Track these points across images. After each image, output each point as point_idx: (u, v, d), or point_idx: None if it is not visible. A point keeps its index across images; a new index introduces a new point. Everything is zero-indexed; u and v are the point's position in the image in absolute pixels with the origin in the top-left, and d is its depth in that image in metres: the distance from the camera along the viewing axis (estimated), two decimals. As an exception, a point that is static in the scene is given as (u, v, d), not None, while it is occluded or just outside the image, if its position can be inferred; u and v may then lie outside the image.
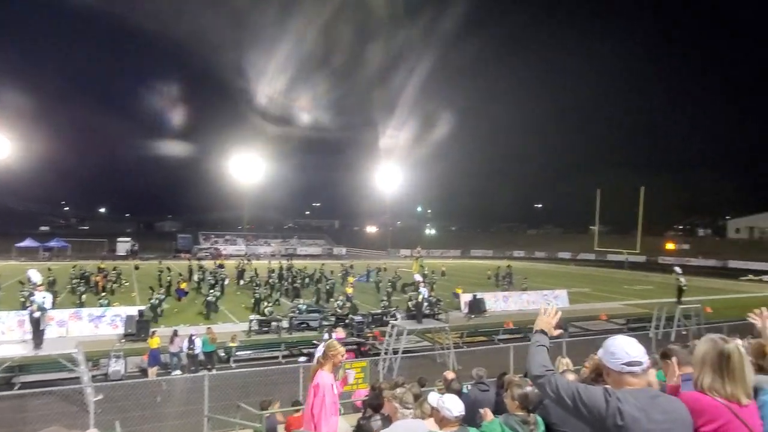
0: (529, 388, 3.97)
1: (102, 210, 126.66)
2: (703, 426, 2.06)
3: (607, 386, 2.19)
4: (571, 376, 4.17)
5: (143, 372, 14.83)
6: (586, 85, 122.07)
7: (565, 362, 5.42)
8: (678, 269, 25.34)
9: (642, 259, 60.50)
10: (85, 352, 12.62)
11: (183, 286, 28.14)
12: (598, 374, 3.79)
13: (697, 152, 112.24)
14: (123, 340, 17.90)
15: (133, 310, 19.88)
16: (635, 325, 22.27)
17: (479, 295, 25.81)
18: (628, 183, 56.29)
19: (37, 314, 11.45)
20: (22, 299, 21.06)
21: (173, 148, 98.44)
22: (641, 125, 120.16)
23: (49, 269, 30.85)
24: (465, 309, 25.00)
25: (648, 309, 24.00)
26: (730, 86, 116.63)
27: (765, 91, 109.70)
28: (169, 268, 33.74)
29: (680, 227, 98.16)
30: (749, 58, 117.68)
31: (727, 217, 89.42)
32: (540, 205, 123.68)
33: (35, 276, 12.67)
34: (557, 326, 2.69)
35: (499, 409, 4.56)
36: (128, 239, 65.50)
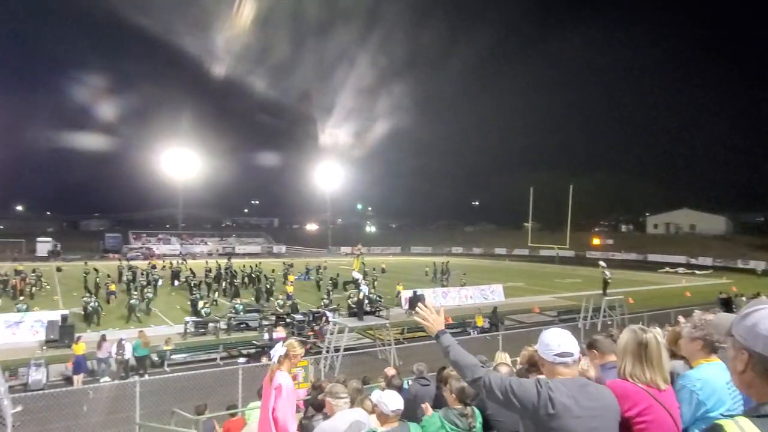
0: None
1: (19, 208, 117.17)
2: (627, 411, 2.20)
3: (539, 377, 2.30)
4: (504, 369, 4.35)
5: (68, 380, 13.94)
6: (520, 88, 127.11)
7: (504, 357, 5.62)
8: (603, 263, 26.92)
9: (571, 254, 63.84)
10: (1, 361, 11.68)
11: (112, 288, 26.68)
12: (531, 365, 3.99)
13: (620, 154, 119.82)
14: (45, 347, 16.72)
15: (55, 315, 18.62)
16: (566, 317, 23.42)
17: (419, 291, 26.21)
18: (559, 182, 59.20)
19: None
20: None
21: (100, 142, 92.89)
22: (570, 127, 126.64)
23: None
24: (405, 305, 25.33)
25: (577, 301, 25.31)
26: (651, 95, 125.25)
27: (682, 100, 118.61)
28: (96, 269, 31.83)
29: (605, 223, 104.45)
30: (676, 65, 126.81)
31: (647, 214, 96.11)
32: (477, 203, 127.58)
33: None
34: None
35: (439, 403, 4.67)
36: (49, 239, 61.06)
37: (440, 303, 26.95)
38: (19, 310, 19.85)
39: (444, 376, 5.49)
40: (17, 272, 30.44)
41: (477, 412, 3.78)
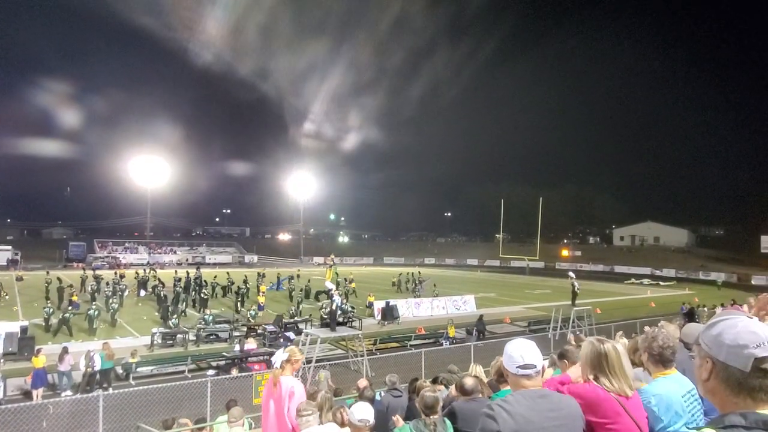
0: (437, 393, 4.14)
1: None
2: (596, 416, 2.24)
3: (488, 403, 2.24)
4: (470, 382, 4.37)
5: (26, 395, 13.39)
6: (491, 102, 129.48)
7: (477, 369, 5.68)
8: (572, 274, 27.48)
9: (541, 265, 64.92)
10: (-45, 376, 11.15)
11: (74, 298, 25.79)
12: (500, 376, 4.05)
13: (589, 168, 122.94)
14: (2, 360, 16.01)
15: (14, 326, 17.86)
16: (536, 327, 23.77)
17: (392, 302, 26.24)
18: (529, 194, 60.38)
19: None
20: None
21: (64, 148, 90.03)
22: (541, 140, 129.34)
23: None
24: (378, 316, 25.30)
25: (547, 312, 25.73)
26: (618, 110, 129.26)
27: (648, 115, 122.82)
28: (59, 279, 30.75)
29: (573, 235, 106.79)
30: (637, 83, 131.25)
31: (613, 227, 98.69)
32: (448, 214, 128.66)
33: None
34: None
35: (411, 414, 4.69)
36: (9, 247, 58.80)
37: (413, 314, 27.02)
38: (-25, 322, 19.02)
39: (416, 387, 5.54)
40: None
41: (448, 423, 3.82)
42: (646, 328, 3.62)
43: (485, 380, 4.87)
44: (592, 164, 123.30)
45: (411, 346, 19.75)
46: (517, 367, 2.28)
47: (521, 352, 2.31)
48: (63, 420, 10.78)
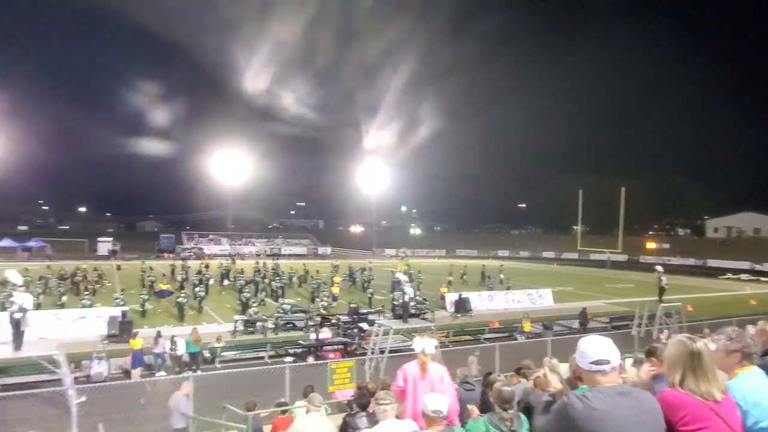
0: (512, 387, 4.04)
1: (82, 209, 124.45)
2: (682, 422, 2.10)
3: (565, 396, 2.24)
4: (555, 378, 4.21)
5: (126, 373, 14.65)
6: (568, 89, 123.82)
7: (551, 362, 5.49)
8: (660, 268, 25.81)
9: (623, 258, 61.37)
10: (67, 354, 12.41)
11: (165, 287, 27.74)
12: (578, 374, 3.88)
13: (676, 155, 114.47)
14: (106, 341, 17.63)
15: (115, 311, 19.60)
16: (618, 323, 22.61)
17: (464, 295, 25.97)
18: (609, 184, 57.14)
19: (17, 315, 11.27)
20: (2, 301, 20.63)
21: (154, 147, 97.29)
22: (622, 128, 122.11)
23: (26, 270, 30.28)
24: (450, 308, 25.14)
25: (630, 307, 24.39)
26: (709, 91, 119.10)
27: (743, 96, 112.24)
28: (151, 268, 33.33)
29: (660, 227, 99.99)
30: (728, 63, 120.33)
31: (706, 217, 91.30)
32: (523, 206, 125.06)
33: (14, 277, 12.48)
34: None
35: (484, 408, 4.62)
36: (109, 239, 64.31)
37: (486, 307, 26.59)
38: (83, 306, 21.08)
39: (490, 381, 5.44)
40: (80, 270, 32.30)
41: (523, 418, 3.71)
42: (706, 330, 3.34)
43: (562, 374, 4.70)
44: (680, 150, 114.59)
45: (484, 339, 19.47)
46: (590, 363, 2.20)
47: (594, 347, 2.23)
48: (158, 397, 11.66)
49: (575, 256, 68.46)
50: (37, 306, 20.68)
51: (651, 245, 75.62)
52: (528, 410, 3.77)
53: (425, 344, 4.70)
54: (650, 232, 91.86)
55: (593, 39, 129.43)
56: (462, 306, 24.81)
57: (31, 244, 57.94)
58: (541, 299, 28.76)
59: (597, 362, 2.19)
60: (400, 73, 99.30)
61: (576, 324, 22.10)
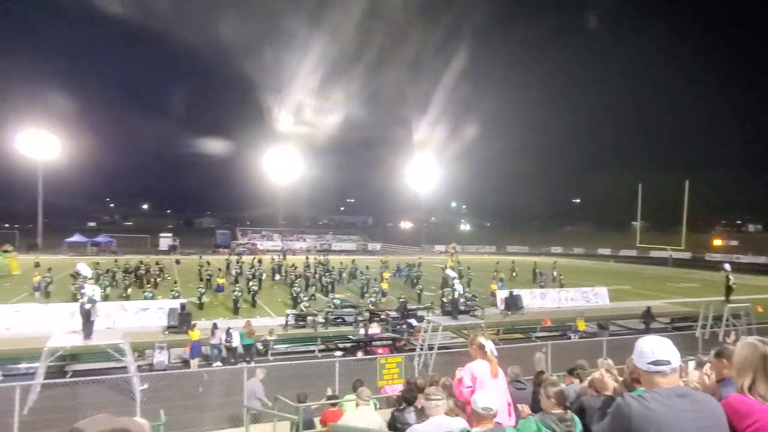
0: (564, 385, 3.92)
1: (144, 207, 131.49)
2: (750, 429, 1.99)
3: (619, 398, 2.16)
4: (609, 379, 4.07)
5: (185, 363, 15.32)
6: (627, 79, 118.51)
7: (606, 363, 5.30)
8: (727, 266, 24.14)
9: (687, 255, 58.28)
10: (131, 343, 13.13)
11: (221, 281, 28.76)
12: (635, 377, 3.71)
13: (745, 145, 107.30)
14: (166, 332, 18.53)
15: (175, 303, 20.53)
16: (680, 324, 21.53)
17: (516, 292, 25.47)
18: (671, 177, 54.35)
19: (87, 306, 11.97)
20: (74, 292, 22.11)
21: (211, 147, 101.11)
22: (685, 118, 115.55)
23: (97, 264, 32.20)
24: (501, 306, 24.72)
25: (694, 308, 23.17)
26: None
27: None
28: (209, 263, 34.70)
29: (727, 223, 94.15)
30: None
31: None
32: (577, 201, 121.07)
33: (85, 270, 13.27)
34: None
35: (536, 408, 4.51)
36: (169, 235, 67.37)
37: (538, 305, 25.97)
38: (145, 298, 22.22)
39: (541, 380, 5.30)
40: (143, 264, 34.06)
41: (576, 419, 3.60)
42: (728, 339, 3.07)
43: (618, 376, 4.52)
44: (750, 141, 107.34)
45: (536, 338, 19.03)
46: (648, 363, 2.12)
47: (652, 347, 2.14)
48: (214, 386, 12.15)
49: (633, 253, 65.68)
50: (105, 297, 21.97)
51: (717, 242, 71.46)
52: (581, 412, 3.66)
53: (490, 344, 4.70)
54: (717, 228, 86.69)
55: (650, 32, 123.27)
56: (513, 303, 24.34)
57: (100, 239, 61.68)
58: (596, 298, 27.79)
59: (655, 362, 2.10)
60: (450, 68, 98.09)
61: (639, 324, 21.29)
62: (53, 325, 18.07)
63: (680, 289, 34.92)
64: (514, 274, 37.89)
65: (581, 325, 19.68)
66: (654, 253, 62.20)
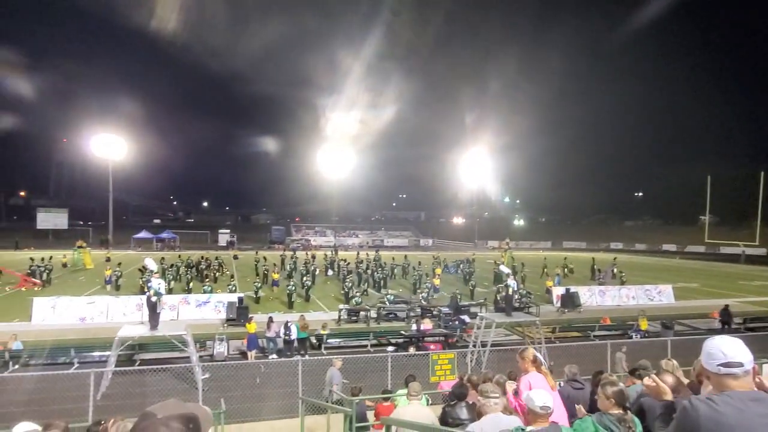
0: (623, 385, 3.76)
1: (205, 204, 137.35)
2: None
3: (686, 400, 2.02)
4: (669, 379, 3.86)
5: (243, 354, 15.88)
6: (694, 67, 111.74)
7: (671, 365, 5.04)
8: (807, 264, 22.40)
9: (762, 251, 54.37)
10: (193, 334, 13.75)
11: (276, 276, 29.45)
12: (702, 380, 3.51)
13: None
14: (225, 325, 19.29)
15: (233, 297, 21.32)
16: (754, 325, 20.15)
17: (573, 289, 24.68)
18: (743, 169, 50.84)
19: (153, 299, 12.65)
20: (142, 285, 23.41)
21: (267, 147, 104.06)
22: (756, 106, 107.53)
23: (162, 259, 33.90)
24: (557, 303, 24.04)
25: (769, 307, 21.60)
26: None
27: None
28: (265, 258, 35.73)
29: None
30: None
31: None
32: (639, 194, 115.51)
33: (152, 264, 14.05)
34: None
35: (593, 408, 4.35)
36: (228, 231, 69.91)
37: (596, 302, 25.06)
38: (205, 292, 23.20)
39: (600, 380, 5.10)
40: (204, 259, 35.59)
41: (636, 420, 3.44)
42: None
43: (683, 379, 4.28)
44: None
45: (594, 336, 18.37)
46: (718, 365, 1.98)
47: (723, 348, 2.00)
48: (271, 378, 12.52)
49: (702, 249, 61.96)
50: (169, 291, 23.15)
51: (797, 237, 66.12)
52: (640, 413, 3.49)
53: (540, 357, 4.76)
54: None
55: (714, 20, 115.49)
56: (570, 301, 23.62)
57: (164, 235, 64.81)
58: (660, 296, 26.47)
59: (726, 365, 1.97)
60: (503, 61, 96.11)
61: (715, 323, 20.22)
62: (123, 317, 19.30)
63: (754, 288, 32.65)
64: (566, 270, 36.67)
65: (644, 324, 18.80)
66: (725, 249, 58.42)
